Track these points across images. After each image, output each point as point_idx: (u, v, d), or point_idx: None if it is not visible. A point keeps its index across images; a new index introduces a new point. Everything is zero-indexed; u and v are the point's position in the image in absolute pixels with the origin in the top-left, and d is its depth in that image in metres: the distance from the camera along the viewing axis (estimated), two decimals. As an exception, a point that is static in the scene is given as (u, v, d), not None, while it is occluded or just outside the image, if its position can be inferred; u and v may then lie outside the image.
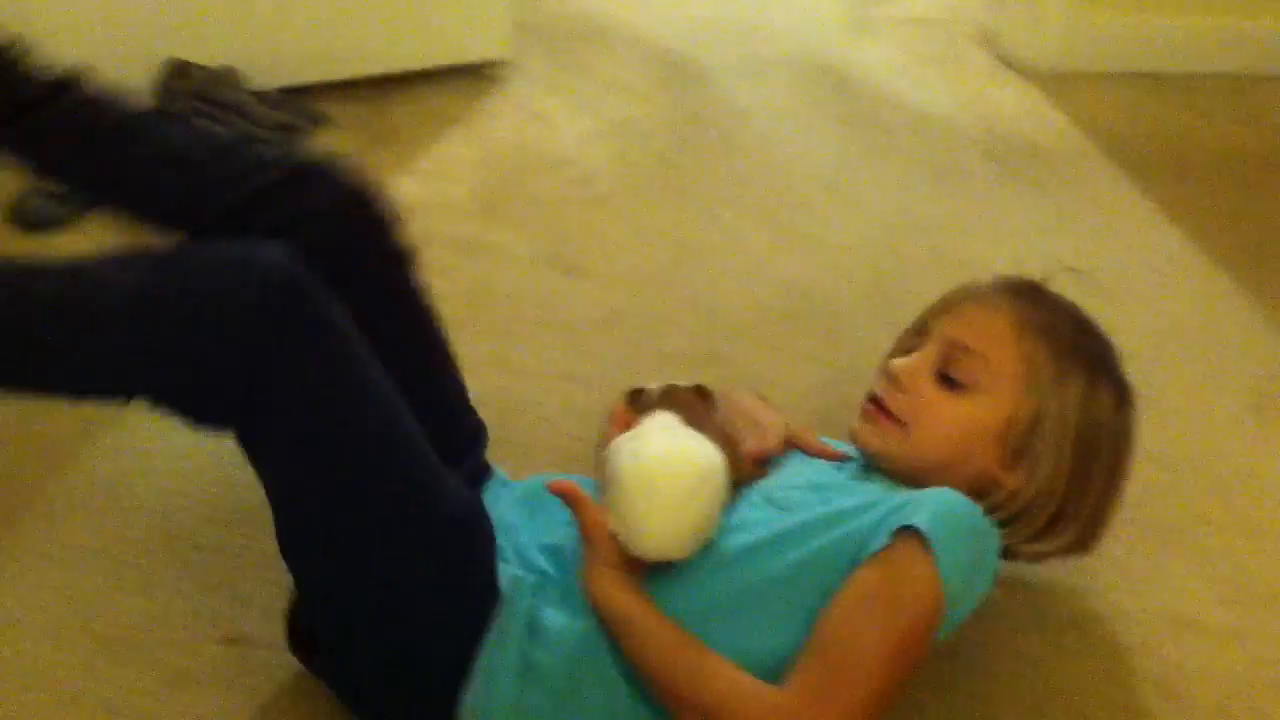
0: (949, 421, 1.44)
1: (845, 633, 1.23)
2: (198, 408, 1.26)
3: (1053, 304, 1.51)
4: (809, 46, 3.16)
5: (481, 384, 1.94)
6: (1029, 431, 1.41)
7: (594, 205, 2.44)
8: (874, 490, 1.40)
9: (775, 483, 1.44)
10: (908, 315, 2.15)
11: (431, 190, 2.45)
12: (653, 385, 1.48)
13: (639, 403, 1.47)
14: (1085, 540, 1.48)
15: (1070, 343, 1.45)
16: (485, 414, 1.80)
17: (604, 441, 1.41)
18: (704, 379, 1.98)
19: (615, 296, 2.19)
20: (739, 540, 1.33)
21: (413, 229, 2.32)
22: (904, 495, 1.34)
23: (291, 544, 1.33)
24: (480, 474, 1.57)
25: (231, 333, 1.22)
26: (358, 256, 1.52)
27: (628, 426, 1.40)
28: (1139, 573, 1.70)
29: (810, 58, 3.10)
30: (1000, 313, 1.47)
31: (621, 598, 1.28)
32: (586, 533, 1.31)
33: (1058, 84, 3.01)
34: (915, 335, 1.55)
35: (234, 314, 1.22)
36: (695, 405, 1.47)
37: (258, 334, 1.22)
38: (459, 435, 1.58)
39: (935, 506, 1.28)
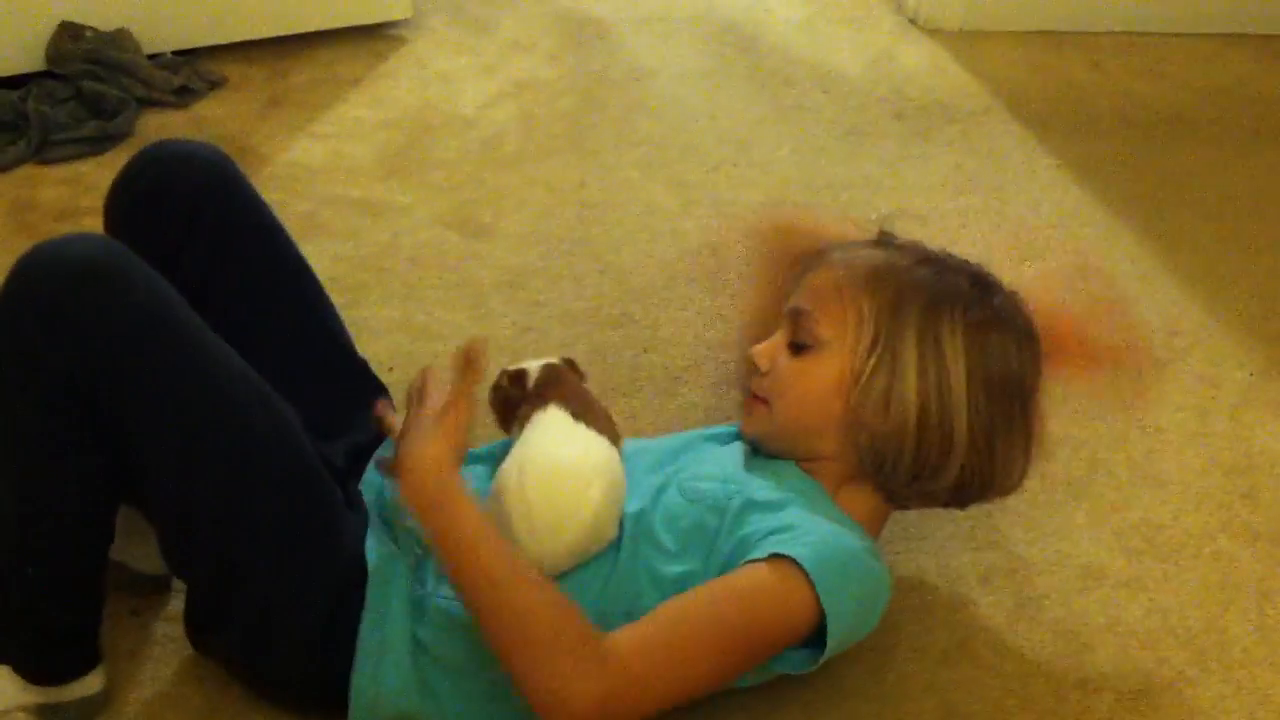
0: (799, 382, 1.44)
1: (698, 614, 1.25)
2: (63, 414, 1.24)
3: (887, 247, 1.50)
4: (715, 5, 3.14)
5: (386, 347, 1.92)
6: (865, 361, 1.40)
7: (498, 166, 2.41)
8: (779, 491, 1.40)
9: (691, 471, 1.44)
10: (815, 274, 2.16)
11: (333, 153, 2.41)
12: (532, 364, 1.47)
13: (520, 386, 1.45)
14: (984, 474, 1.43)
15: (900, 279, 1.42)
16: (390, 377, 1.77)
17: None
18: (611, 340, 1.98)
19: (521, 258, 2.17)
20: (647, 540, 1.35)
21: (315, 192, 2.30)
22: (803, 513, 1.36)
23: (161, 522, 1.34)
24: (372, 431, 1.55)
25: (45, 328, 1.21)
26: (218, 226, 1.49)
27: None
28: (1043, 524, 1.72)
29: (717, 16, 3.08)
30: (829, 269, 1.46)
31: (452, 482, 1.26)
32: (453, 401, 1.30)
33: (963, 42, 3.02)
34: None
35: (40, 310, 1.21)
36: (578, 385, 1.46)
37: (71, 322, 1.21)
38: (346, 393, 1.57)
39: (820, 542, 1.30)
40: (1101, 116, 2.75)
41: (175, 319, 1.27)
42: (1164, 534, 1.73)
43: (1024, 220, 2.36)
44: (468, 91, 2.65)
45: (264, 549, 1.30)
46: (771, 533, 1.31)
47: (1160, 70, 2.95)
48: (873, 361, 1.39)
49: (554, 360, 1.47)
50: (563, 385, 1.43)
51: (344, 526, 1.35)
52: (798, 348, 1.44)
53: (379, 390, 1.61)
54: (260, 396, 1.32)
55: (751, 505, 1.36)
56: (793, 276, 1.51)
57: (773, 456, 1.48)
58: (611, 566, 1.33)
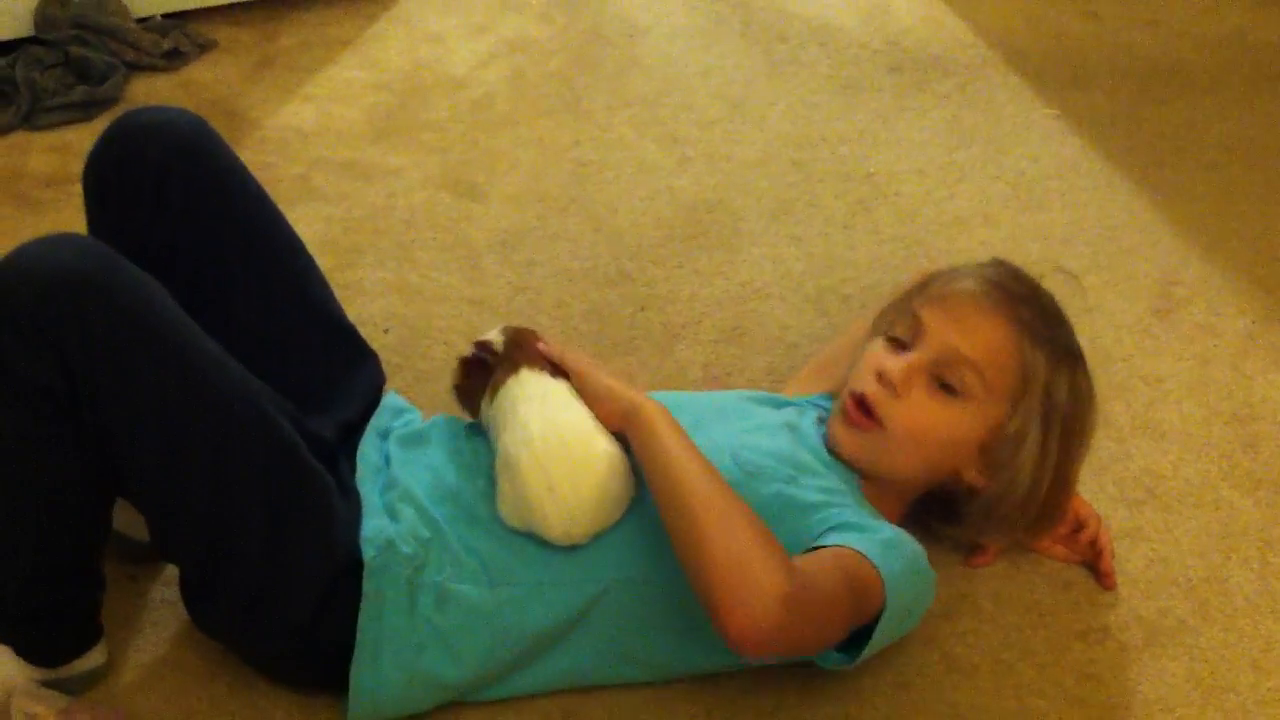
0: (935, 427, 1.43)
1: (832, 565, 1.27)
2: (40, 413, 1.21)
3: (1041, 306, 1.50)
4: (708, -39, 3.11)
5: (381, 309, 1.91)
6: (1012, 444, 1.43)
7: (491, 127, 2.40)
8: (835, 483, 1.42)
9: (742, 441, 1.43)
10: (811, 231, 2.15)
11: (324, 115, 2.39)
12: (493, 333, 1.46)
13: (492, 353, 1.45)
14: (1046, 522, 1.54)
15: (1060, 344, 1.47)
16: (385, 339, 1.77)
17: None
18: (608, 299, 1.97)
19: (515, 218, 2.15)
20: None
21: (306, 155, 2.28)
22: (865, 509, 1.39)
23: (150, 509, 1.32)
24: (363, 401, 1.55)
25: (23, 342, 1.18)
26: (197, 197, 1.46)
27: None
28: (1044, 477, 1.71)
29: (710, -28, 3.05)
30: (1000, 324, 1.44)
31: (672, 429, 1.31)
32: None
33: (958, -6, 2.99)
34: (899, 317, 1.50)
35: (17, 324, 1.18)
36: (538, 346, 1.46)
37: (50, 333, 1.18)
38: (334, 362, 1.56)
39: (889, 543, 1.32)
40: (1098, 67, 2.73)
41: (159, 321, 1.24)
42: (1165, 484, 1.73)
43: (1021, 173, 2.35)
44: (459, 52, 2.63)
45: (249, 542, 1.29)
46: (837, 527, 1.32)
47: (1157, 20, 2.93)
48: (1020, 451, 1.43)
49: (520, 326, 1.47)
50: (528, 347, 1.42)
51: (336, 515, 1.34)
52: (943, 386, 1.43)
53: (368, 357, 1.60)
54: (247, 392, 1.30)
55: (819, 491, 1.38)
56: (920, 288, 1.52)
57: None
58: (655, 529, 1.32)
